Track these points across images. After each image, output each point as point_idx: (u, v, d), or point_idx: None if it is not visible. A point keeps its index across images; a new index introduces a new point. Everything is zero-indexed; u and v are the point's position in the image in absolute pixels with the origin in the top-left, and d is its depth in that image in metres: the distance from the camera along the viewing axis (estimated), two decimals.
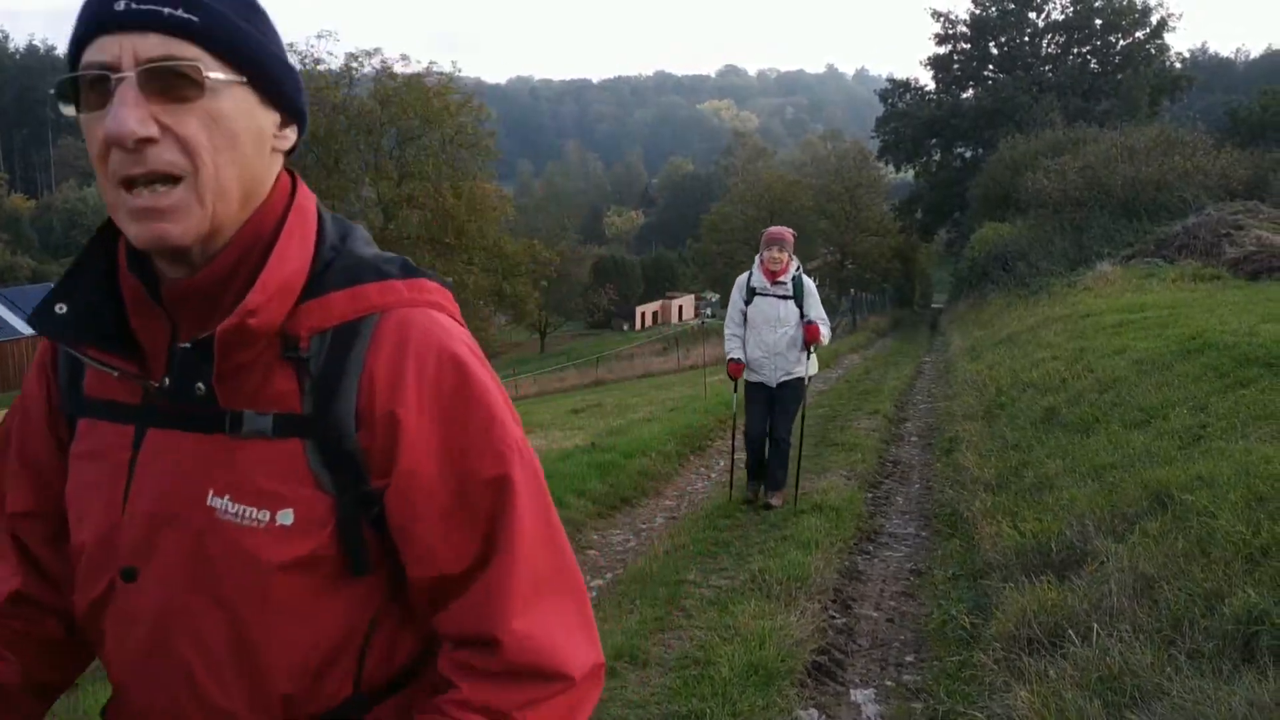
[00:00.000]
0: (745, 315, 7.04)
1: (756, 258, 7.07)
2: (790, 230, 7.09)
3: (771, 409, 7.05)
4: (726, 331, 7.15)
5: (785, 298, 6.89)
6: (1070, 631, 3.62)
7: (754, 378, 7.07)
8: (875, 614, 5.04)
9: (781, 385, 6.99)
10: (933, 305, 52.67)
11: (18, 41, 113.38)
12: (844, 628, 4.79)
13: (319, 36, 31.42)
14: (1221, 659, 3.14)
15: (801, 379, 7.02)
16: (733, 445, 7.98)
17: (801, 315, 6.90)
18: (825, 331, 6.92)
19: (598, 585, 5.76)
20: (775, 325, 6.89)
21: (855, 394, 14.50)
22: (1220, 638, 3.23)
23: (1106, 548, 4.35)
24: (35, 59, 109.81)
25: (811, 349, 6.98)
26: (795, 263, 6.98)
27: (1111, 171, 24.29)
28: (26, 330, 54.38)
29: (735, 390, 7.73)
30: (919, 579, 5.56)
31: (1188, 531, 4.07)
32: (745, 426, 7.28)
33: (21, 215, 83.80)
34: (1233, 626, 3.24)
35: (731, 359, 7.07)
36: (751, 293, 7.01)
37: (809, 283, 6.98)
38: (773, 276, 6.92)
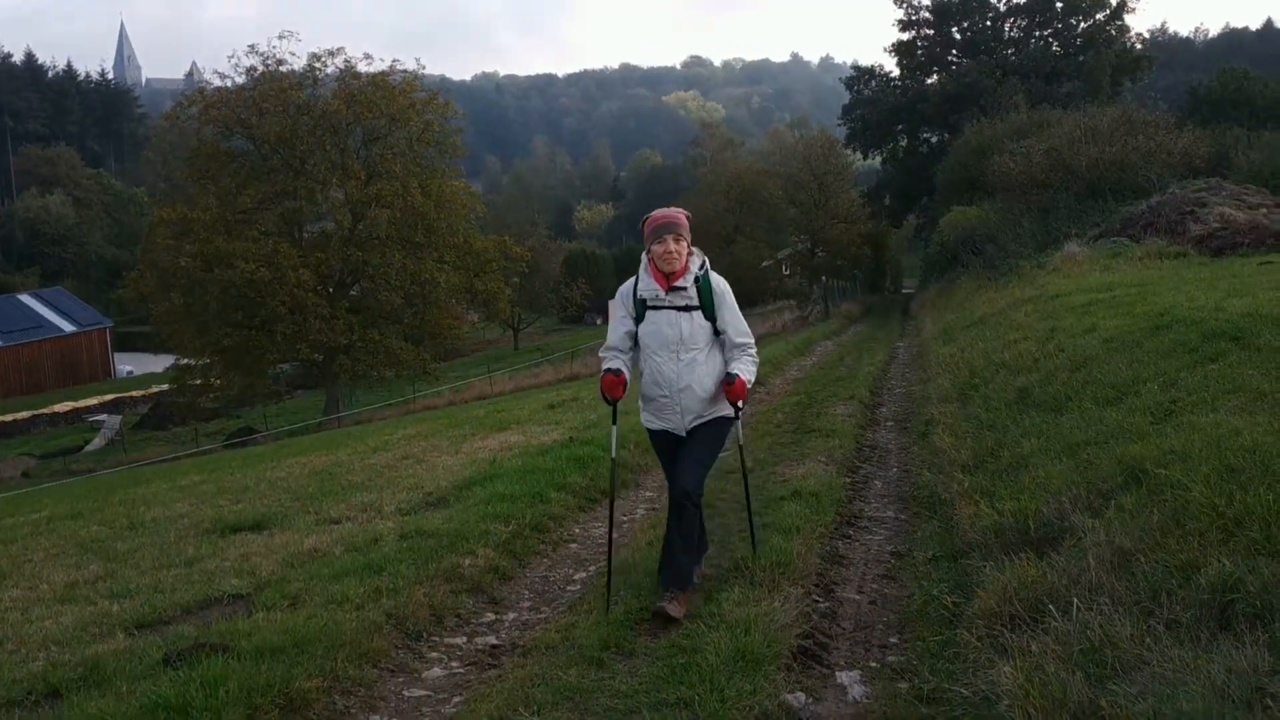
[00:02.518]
0: (634, 338, 4.99)
1: (643, 256, 4.97)
2: (684, 211, 5.02)
3: (675, 462, 4.99)
4: (602, 354, 5.03)
5: (689, 308, 4.84)
6: (1051, 606, 3.67)
7: (654, 424, 5.05)
8: (858, 597, 5.08)
9: (693, 431, 4.94)
10: (904, 290, 53.01)
11: None
12: (828, 611, 4.83)
13: (280, 37, 31.06)
14: (1199, 628, 3.19)
15: (725, 416, 4.96)
16: (610, 523, 5.22)
17: (715, 332, 4.92)
18: (750, 371, 4.89)
19: (580, 578, 5.78)
20: (677, 349, 4.85)
21: (830, 380, 14.58)
22: (1197, 607, 3.29)
23: (1084, 523, 4.41)
24: None
25: (738, 405, 4.92)
26: (699, 257, 4.94)
27: (1076, 153, 24.52)
28: None
29: (614, 421, 5.27)
30: (900, 561, 5.61)
31: (1162, 505, 4.14)
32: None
33: None
34: (1209, 596, 3.30)
35: (608, 369, 4.89)
36: (641, 305, 4.91)
37: (719, 283, 4.94)
38: (668, 280, 4.85)
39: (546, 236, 60.50)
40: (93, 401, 46.48)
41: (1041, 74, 45.75)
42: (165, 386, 37.81)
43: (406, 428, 15.33)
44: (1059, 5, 47.56)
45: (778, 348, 21.15)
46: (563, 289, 55.95)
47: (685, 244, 4.86)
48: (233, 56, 28.88)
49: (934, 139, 51.08)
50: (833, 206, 44.30)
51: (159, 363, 48.63)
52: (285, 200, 29.54)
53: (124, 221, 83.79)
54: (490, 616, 5.22)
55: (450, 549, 5.88)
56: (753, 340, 5.00)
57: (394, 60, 31.82)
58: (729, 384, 4.79)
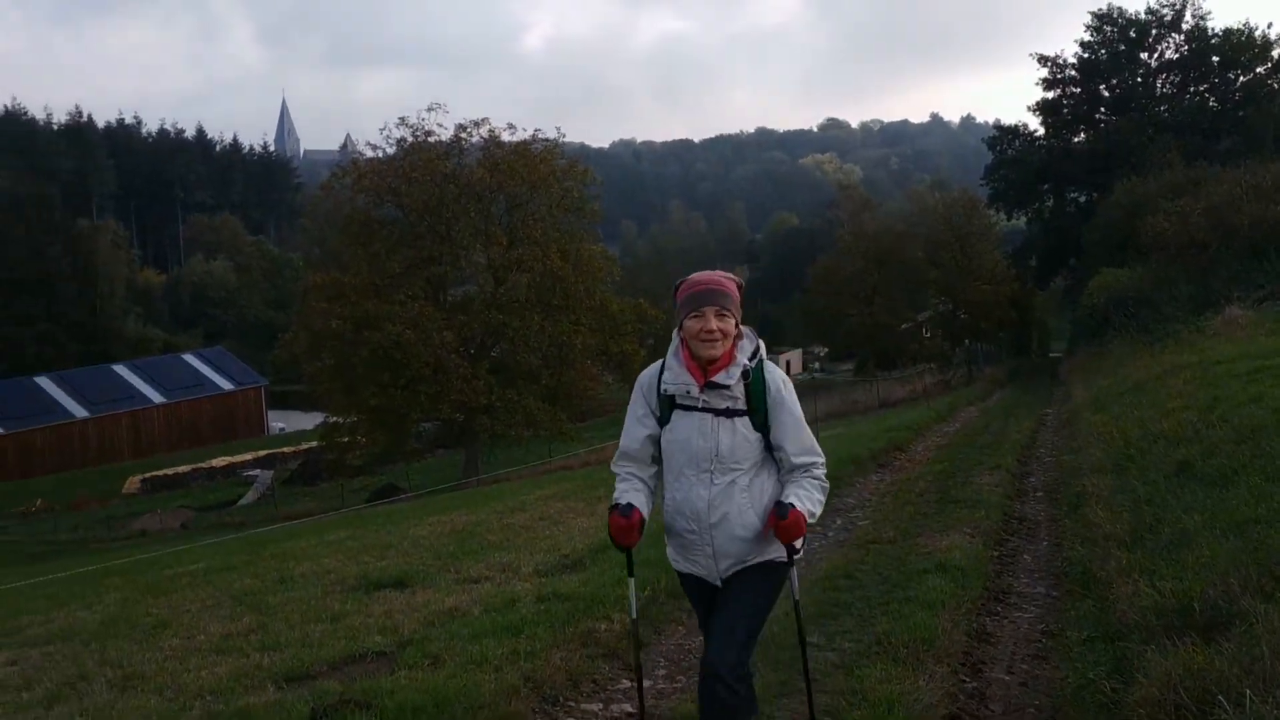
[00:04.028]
0: (657, 446, 3.62)
1: (675, 334, 3.59)
2: (733, 277, 3.62)
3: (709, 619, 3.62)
4: (615, 468, 3.70)
5: (732, 412, 3.45)
6: (1221, 698, 3.44)
7: (680, 564, 3.68)
8: (1008, 678, 4.86)
9: (733, 579, 3.55)
10: (1051, 354, 51.30)
11: (150, 125, 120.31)
12: (975, 692, 4.63)
13: (429, 109, 32.38)
14: None
15: (774, 561, 3.54)
16: (640, 703, 3.89)
17: (768, 446, 3.51)
18: (812, 501, 3.45)
19: None
20: (712, 468, 3.46)
21: (975, 447, 14.16)
22: None
23: (1255, 608, 4.13)
24: (166, 141, 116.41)
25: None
26: (751, 341, 3.55)
27: (1237, 211, 23.47)
28: (158, 399, 56.96)
29: (631, 573, 3.81)
30: (1052, 641, 5.35)
31: None
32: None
33: (153, 289, 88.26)
34: None
35: (616, 504, 3.53)
36: (667, 403, 3.54)
37: (778, 378, 3.54)
38: (704, 371, 3.45)
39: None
40: (247, 457, 48.64)
41: (1198, 130, 44.05)
42: (315, 443, 39.32)
43: (543, 488, 15.52)
44: (1216, 60, 45.85)
45: (919, 413, 20.69)
46: None
47: (733, 322, 3.45)
48: (384, 128, 30.46)
49: (1081, 199, 49.61)
50: (975, 267, 43.42)
51: (309, 420, 50.70)
52: (431, 265, 30.61)
53: (280, 285, 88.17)
54: (626, 683, 5.18)
55: (586, 612, 5.88)
56: (822, 459, 3.53)
57: (536, 129, 32.79)
58: (779, 518, 3.32)
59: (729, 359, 3.45)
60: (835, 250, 53.48)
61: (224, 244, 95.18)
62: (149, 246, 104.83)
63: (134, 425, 55.89)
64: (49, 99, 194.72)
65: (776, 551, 3.51)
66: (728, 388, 3.43)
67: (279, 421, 61.85)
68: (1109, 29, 47.79)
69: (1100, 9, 47.99)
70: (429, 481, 32.30)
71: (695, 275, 3.60)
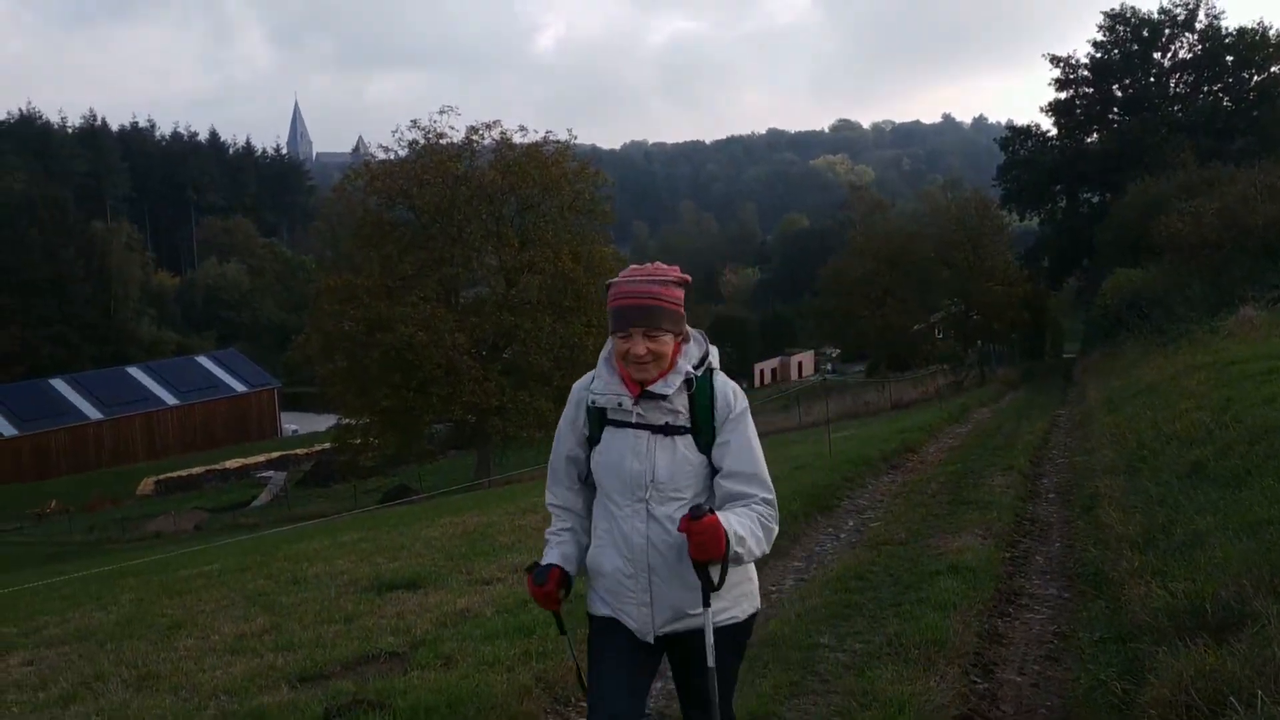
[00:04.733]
0: (585, 467, 3.04)
1: (606, 343, 2.99)
2: (676, 273, 2.94)
3: (683, 688, 3.02)
4: (548, 502, 3.12)
5: (672, 430, 2.86)
6: (1232, 699, 3.43)
7: (603, 609, 2.94)
8: (1019, 679, 4.86)
9: (679, 640, 2.89)
10: (1064, 355, 51.11)
11: (164, 129, 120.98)
12: (987, 693, 4.63)
13: (441, 112, 32.43)
14: None
15: (733, 624, 2.88)
16: None
17: (712, 469, 2.88)
18: (745, 527, 2.71)
19: None
20: (649, 496, 2.83)
21: (987, 449, 14.13)
22: None
23: (1267, 608, 4.12)
24: (179, 145, 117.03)
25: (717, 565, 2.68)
26: (699, 345, 2.97)
27: (1252, 211, 23.35)
28: (172, 401, 57.23)
29: (562, 629, 3.16)
30: (1064, 642, 5.35)
31: None
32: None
33: (167, 292, 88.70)
34: None
35: (540, 565, 2.91)
36: (598, 417, 2.95)
37: (729, 390, 2.92)
38: (637, 380, 2.86)
39: (692, 300, 60.89)
40: (260, 459, 48.84)
41: (1211, 130, 43.82)
42: (327, 445, 39.45)
43: None
44: (1230, 59, 45.62)
45: (931, 414, 20.65)
46: None
47: (669, 338, 2.82)
48: (396, 131, 30.48)
49: (1095, 199, 49.41)
50: (988, 268, 43.28)
51: (322, 422, 50.90)
52: (443, 267, 30.66)
53: (293, 288, 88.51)
54: None
55: None
56: (769, 494, 2.82)
57: (547, 131, 32.82)
58: (694, 519, 2.58)
59: (669, 368, 2.85)
60: (846, 251, 53.34)
61: (237, 246, 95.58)
62: (162, 249, 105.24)
63: (148, 427, 56.17)
64: (63, 102, 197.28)
65: (733, 610, 2.85)
66: (666, 399, 2.83)
67: (292, 423, 62.06)
68: (1122, 29, 47.62)
69: (1113, 9, 47.83)
70: (441, 483, 32.36)
71: (624, 280, 2.88)
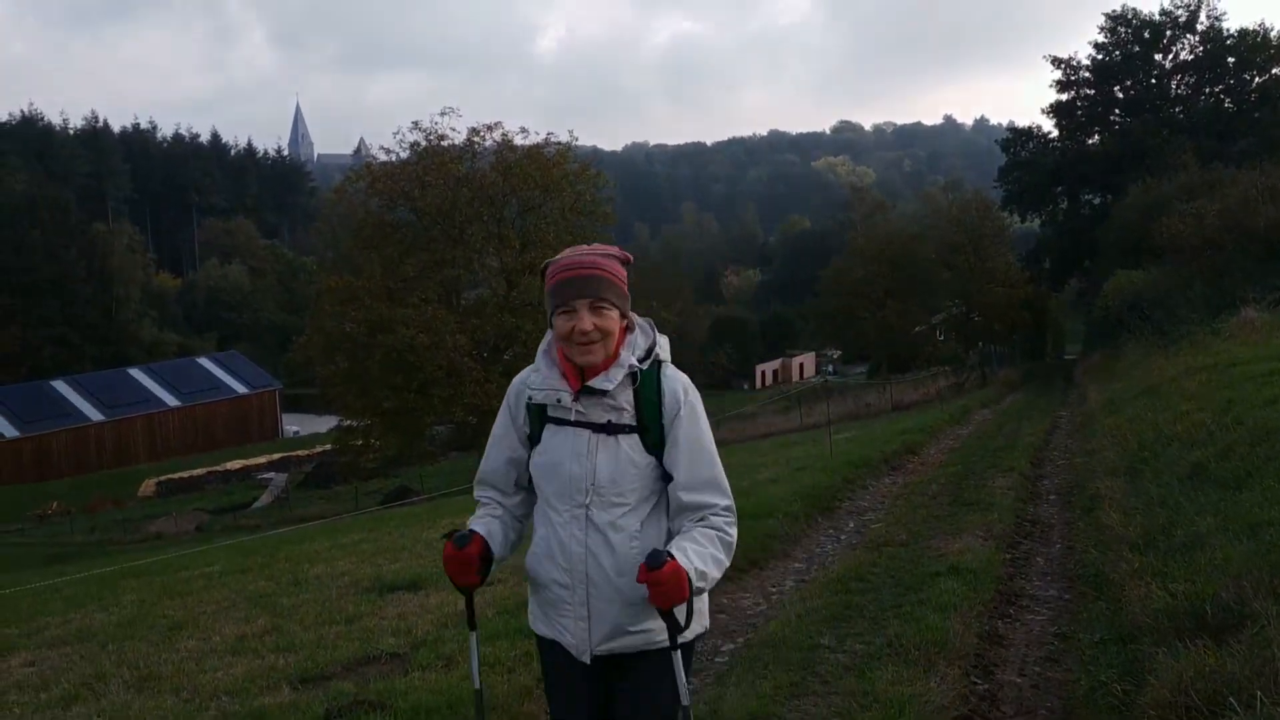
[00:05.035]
0: (525, 468, 2.81)
1: (545, 335, 2.75)
2: (614, 252, 2.69)
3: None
4: (476, 494, 2.92)
5: (617, 428, 2.63)
6: (1232, 700, 3.44)
7: (543, 629, 2.78)
8: (1019, 680, 4.86)
9: (618, 662, 2.69)
10: (1066, 356, 51.14)
11: (165, 130, 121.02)
12: (987, 694, 4.63)
13: (442, 114, 32.41)
14: None
15: (683, 642, 2.61)
16: None
17: (664, 476, 2.66)
18: (706, 558, 2.54)
19: (729, 649, 5.71)
20: (589, 501, 2.61)
21: (988, 450, 14.13)
22: None
23: (1266, 609, 4.12)
24: (181, 146, 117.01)
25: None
26: (646, 334, 2.72)
27: (1253, 213, 23.34)
28: (174, 402, 57.23)
29: (472, 625, 2.97)
30: (1064, 643, 5.35)
31: None
32: None
33: (168, 293, 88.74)
34: None
35: (461, 530, 2.69)
36: (537, 415, 2.72)
37: (679, 385, 2.66)
38: (582, 374, 2.64)
39: (694, 301, 60.97)
40: (261, 460, 48.84)
41: (1213, 132, 43.82)
42: (328, 446, 39.44)
43: None
44: (1231, 61, 45.62)
45: (932, 415, 20.65)
46: (710, 354, 56.08)
47: (617, 315, 2.59)
48: (398, 132, 30.34)
49: (1096, 200, 49.41)
50: (989, 270, 43.32)
51: (323, 424, 50.91)
52: (444, 268, 30.66)
53: (294, 289, 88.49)
54: None
55: None
56: (727, 501, 2.65)
57: (548, 133, 32.82)
58: (650, 567, 2.37)
59: (612, 358, 2.60)
60: (848, 253, 53.40)
61: (238, 248, 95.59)
62: (164, 250, 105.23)
63: (149, 428, 56.17)
64: (65, 104, 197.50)
65: (689, 631, 2.59)
66: (608, 394, 2.58)
67: (293, 424, 62.07)
68: (1123, 30, 47.62)
69: (1114, 10, 47.86)
70: (442, 484, 32.31)
71: (565, 255, 2.65)
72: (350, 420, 31.88)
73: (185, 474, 46.74)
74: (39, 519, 40.44)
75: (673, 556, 2.40)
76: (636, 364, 2.60)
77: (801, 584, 7.03)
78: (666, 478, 2.62)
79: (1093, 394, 19.63)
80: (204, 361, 63.35)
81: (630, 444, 2.60)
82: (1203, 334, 17.66)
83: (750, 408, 39.83)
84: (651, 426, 2.61)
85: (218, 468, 47.73)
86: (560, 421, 2.65)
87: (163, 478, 46.44)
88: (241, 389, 60.58)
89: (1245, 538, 5.29)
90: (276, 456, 49.48)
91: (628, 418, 2.60)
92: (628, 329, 2.66)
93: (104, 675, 5.78)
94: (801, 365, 70.13)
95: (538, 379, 2.69)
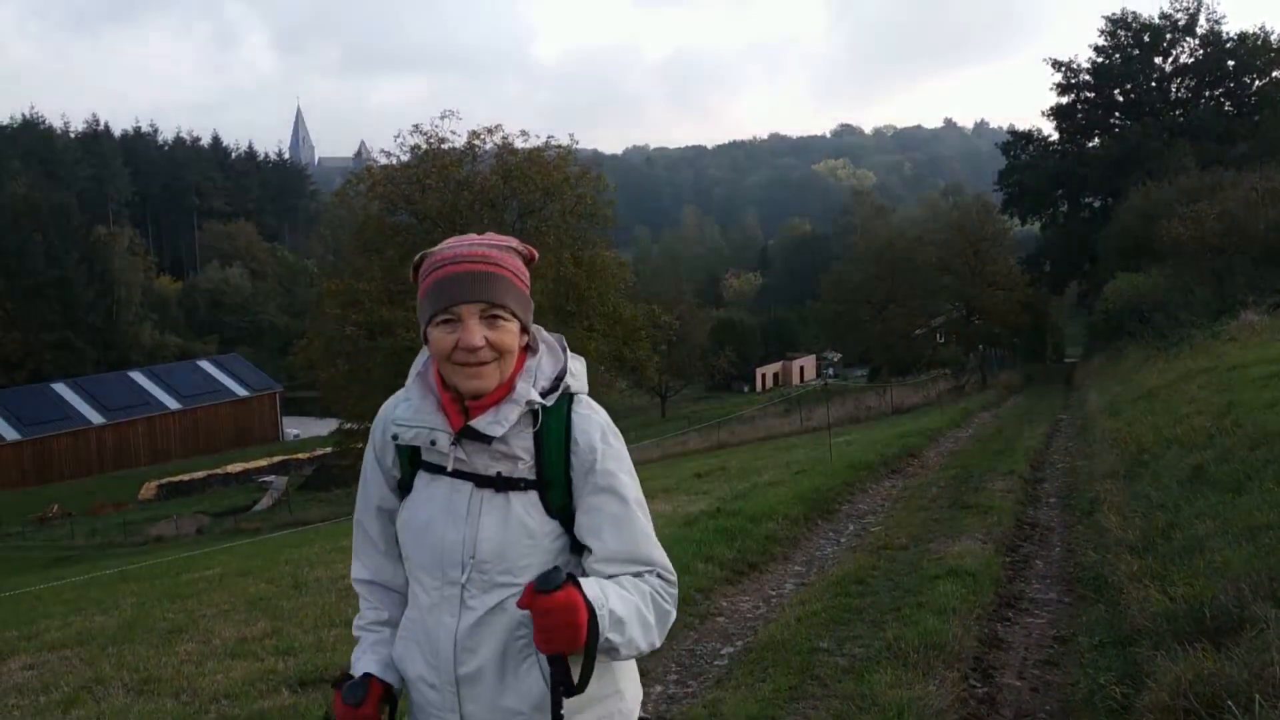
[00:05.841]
0: (391, 530, 2.04)
1: (420, 354, 2.05)
2: (511, 244, 1.92)
3: None
4: (353, 579, 2.17)
5: (508, 483, 1.85)
6: (1230, 703, 3.44)
7: None
8: (1018, 683, 4.86)
9: None
10: (1066, 360, 51.15)
11: (166, 134, 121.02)
12: (986, 697, 4.63)
13: (443, 117, 32.42)
14: None
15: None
16: None
17: (574, 547, 1.90)
18: (629, 606, 1.79)
19: (728, 653, 5.71)
20: (466, 579, 1.84)
21: (988, 454, 14.13)
22: None
23: (1266, 613, 4.13)
24: (182, 150, 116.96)
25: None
26: (554, 355, 1.98)
27: (1253, 216, 23.39)
28: (174, 405, 57.25)
29: None
30: (1063, 646, 5.35)
31: None
32: None
33: (169, 296, 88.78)
34: None
35: (352, 677, 1.96)
36: (410, 457, 1.95)
37: (596, 426, 1.90)
38: (463, 404, 1.88)
39: (694, 305, 61.01)
40: (262, 463, 48.85)
41: (1213, 135, 43.86)
42: (329, 449, 39.45)
43: None
44: (1231, 64, 45.66)
45: (932, 418, 20.65)
46: (710, 357, 56.11)
47: (516, 328, 1.89)
48: (398, 136, 30.37)
49: (1096, 204, 49.44)
50: (989, 273, 43.32)
51: (323, 426, 50.92)
52: None
53: (295, 292, 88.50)
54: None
55: None
56: (663, 568, 1.91)
57: (549, 136, 32.78)
58: (539, 589, 1.67)
59: (506, 389, 1.87)
60: (848, 256, 53.42)
61: (239, 251, 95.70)
62: (165, 253, 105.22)
63: (150, 431, 56.21)
64: (66, 107, 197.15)
65: None
66: (502, 437, 1.85)
67: (293, 427, 62.09)
68: (1123, 33, 47.68)
69: (1114, 13, 47.97)
70: None
71: (447, 244, 1.91)
72: (351, 423, 31.90)
73: (186, 477, 46.76)
74: (39, 522, 40.47)
75: (576, 582, 1.71)
76: (538, 398, 1.87)
77: (801, 587, 7.03)
78: (577, 549, 1.91)
79: (1093, 397, 19.64)
80: (205, 364, 63.41)
81: (526, 504, 1.86)
82: (1203, 337, 17.69)
83: (750, 410, 39.89)
84: (555, 482, 1.87)
85: (218, 470, 47.75)
86: (436, 468, 1.91)
87: (163, 480, 46.48)
88: (242, 392, 60.62)
89: (1244, 541, 5.29)
90: (277, 459, 49.50)
91: (524, 469, 1.87)
92: (528, 349, 1.95)
93: (104, 679, 5.78)
94: (802, 368, 70.17)
95: (407, 409, 1.95)
